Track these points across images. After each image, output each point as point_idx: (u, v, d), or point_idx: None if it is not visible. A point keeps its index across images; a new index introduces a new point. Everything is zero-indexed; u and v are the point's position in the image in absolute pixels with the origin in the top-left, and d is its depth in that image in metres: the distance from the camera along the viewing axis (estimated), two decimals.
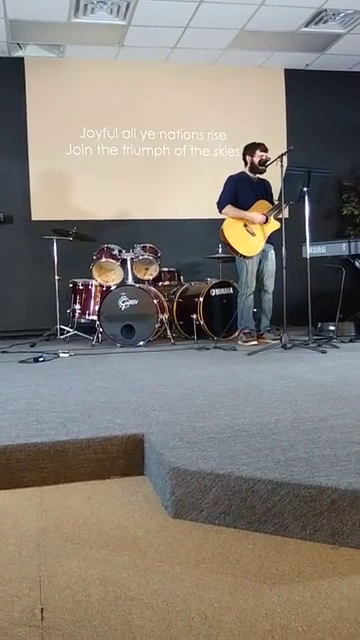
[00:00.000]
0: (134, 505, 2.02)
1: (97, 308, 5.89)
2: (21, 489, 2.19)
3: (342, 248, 5.77)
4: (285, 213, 5.16)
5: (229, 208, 5.53)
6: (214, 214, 5.79)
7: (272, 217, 5.52)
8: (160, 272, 6.20)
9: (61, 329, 6.18)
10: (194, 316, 5.80)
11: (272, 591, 1.48)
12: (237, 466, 1.92)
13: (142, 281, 6.03)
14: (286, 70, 7.66)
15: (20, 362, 4.71)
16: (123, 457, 2.29)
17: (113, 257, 5.95)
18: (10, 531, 1.85)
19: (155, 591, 1.49)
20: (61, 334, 6.17)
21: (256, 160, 5.60)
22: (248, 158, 5.67)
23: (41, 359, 4.77)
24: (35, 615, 1.40)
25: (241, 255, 5.51)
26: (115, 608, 1.42)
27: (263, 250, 5.58)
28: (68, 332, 6.15)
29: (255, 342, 5.46)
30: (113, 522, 1.89)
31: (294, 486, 1.77)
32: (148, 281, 6.10)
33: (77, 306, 6.14)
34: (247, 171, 5.70)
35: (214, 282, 6.03)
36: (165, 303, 5.96)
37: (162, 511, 1.96)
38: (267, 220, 5.51)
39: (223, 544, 1.74)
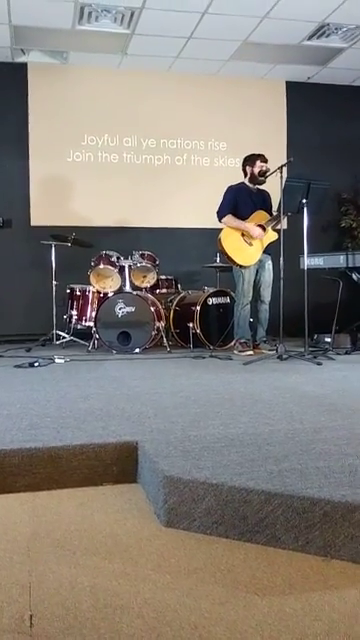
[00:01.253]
0: (126, 513, 2.01)
1: (94, 314, 5.89)
2: (14, 494, 2.18)
3: (340, 260, 5.79)
4: (284, 224, 5.18)
5: (229, 218, 5.55)
6: (213, 223, 5.80)
7: (270, 228, 5.54)
8: (158, 280, 6.21)
9: (57, 334, 6.17)
10: (191, 324, 5.80)
11: (263, 602, 1.48)
12: (230, 476, 1.91)
13: (139, 288, 6.04)
14: (287, 82, 7.71)
15: (15, 367, 4.70)
16: (116, 464, 2.29)
17: (111, 264, 5.95)
18: (1, 536, 1.84)
19: (145, 600, 1.48)
20: (57, 339, 6.16)
21: (256, 171, 5.62)
22: (248, 169, 5.69)
23: (36, 364, 4.76)
24: (24, 621, 1.39)
25: (238, 265, 5.52)
26: (105, 616, 1.41)
27: (260, 260, 5.59)
28: (64, 338, 6.15)
29: (251, 352, 5.47)
30: (105, 529, 1.88)
31: (287, 497, 1.76)
32: (146, 288, 6.11)
33: (74, 312, 6.14)
34: (247, 182, 5.72)
35: (211, 291, 6.03)
36: (162, 311, 5.96)
37: (154, 519, 1.95)
38: (265, 231, 5.53)
39: (215, 554, 1.73)
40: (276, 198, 5.34)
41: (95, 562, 1.67)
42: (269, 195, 5.78)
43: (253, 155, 5.69)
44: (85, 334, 6.12)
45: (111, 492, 2.20)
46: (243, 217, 5.56)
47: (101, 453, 2.28)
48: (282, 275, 4.96)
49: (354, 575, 1.62)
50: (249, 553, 1.74)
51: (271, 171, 5.45)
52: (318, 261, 5.83)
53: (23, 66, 7.05)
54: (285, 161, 5.28)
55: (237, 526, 1.81)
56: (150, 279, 6.08)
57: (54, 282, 6.19)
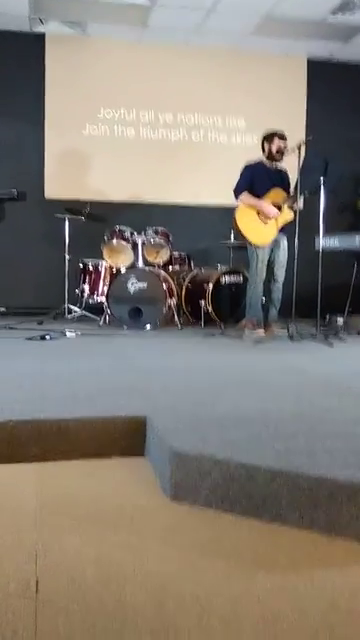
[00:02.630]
0: (133, 486, 2.03)
1: (106, 289, 5.89)
2: (22, 464, 2.20)
3: (355, 241, 5.72)
4: (300, 204, 5.12)
5: (245, 195, 5.49)
6: (228, 201, 5.75)
7: (286, 207, 5.48)
8: (171, 256, 6.19)
9: (69, 308, 6.18)
10: (202, 302, 5.79)
11: (265, 578, 1.49)
12: (237, 452, 1.92)
13: (152, 265, 6.02)
14: (309, 60, 7.56)
15: (27, 339, 4.73)
16: (125, 438, 2.30)
17: (124, 239, 5.93)
18: (9, 504, 1.86)
19: (149, 571, 1.50)
20: (69, 313, 6.18)
21: (274, 148, 5.54)
22: (266, 146, 5.61)
23: (48, 337, 4.78)
24: (30, 588, 1.41)
25: (253, 243, 5.48)
26: (109, 586, 1.43)
27: (275, 240, 5.55)
28: (76, 312, 6.16)
29: (262, 332, 5.45)
30: (111, 501, 1.90)
31: (293, 475, 1.77)
32: (158, 265, 6.09)
33: (86, 286, 6.14)
34: (265, 159, 5.64)
35: (224, 269, 6.00)
36: (174, 288, 5.95)
37: (160, 493, 1.97)
38: (281, 210, 5.47)
39: (219, 529, 1.75)
40: (294, 176, 5.28)
41: (100, 533, 1.69)
42: (287, 173, 5.70)
43: (272, 132, 5.60)
44: (97, 309, 6.12)
45: (118, 465, 2.22)
46: (259, 195, 5.49)
47: (110, 426, 2.30)
48: (296, 255, 4.92)
49: (358, 554, 1.63)
50: (253, 529, 1.75)
51: (289, 149, 5.38)
52: (333, 242, 5.77)
53: (41, 37, 6.97)
54: (304, 139, 5.20)
55: (242, 502, 1.82)
56: (163, 255, 6.06)
57: (67, 256, 6.18)
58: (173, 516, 1.82)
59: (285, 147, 5.50)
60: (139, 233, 6.02)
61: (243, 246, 5.82)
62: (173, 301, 5.78)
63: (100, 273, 6.17)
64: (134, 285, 5.66)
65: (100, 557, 1.56)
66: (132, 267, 5.83)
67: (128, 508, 1.85)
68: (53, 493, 1.95)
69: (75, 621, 1.30)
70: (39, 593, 1.40)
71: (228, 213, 5.74)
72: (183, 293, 6.11)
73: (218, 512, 1.85)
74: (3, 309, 6.78)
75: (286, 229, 5.56)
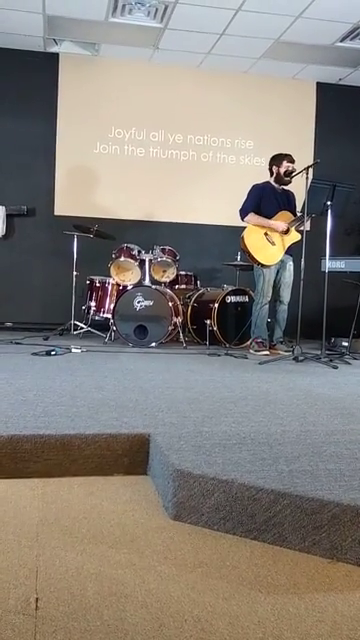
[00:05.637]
0: (135, 504, 2.02)
1: (112, 306, 5.90)
2: (25, 479, 2.20)
3: None
4: (307, 226, 5.15)
5: (252, 216, 5.53)
6: (235, 221, 5.79)
7: (293, 228, 5.51)
8: (177, 275, 6.21)
9: (75, 325, 6.20)
10: (208, 321, 5.80)
11: (266, 600, 1.48)
12: (240, 473, 1.92)
13: (159, 283, 6.05)
14: (318, 83, 7.65)
15: (33, 354, 4.74)
16: (128, 455, 2.30)
17: (132, 257, 5.97)
18: (11, 520, 1.86)
19: (150, 590, 1.49)
20: (75, 330, 6.19)
21: (282, 171, 5.59)
22: (274, 168, 5.67)
23: (53, 353, 4.80)
24: (30, 604, 1.41)
25: (259, 264, 5.51)
26: (109, 604, 1.43)
27: (282, 260, 5.57)
28: (82, 328, 6.18)
29: (267, 352, 5.45)
30: (113, 519, 1.89)
31: (296, 497, 1.77)
32: (165, 283, 6.12)
33: (92, 303, 6.17)
34: (272, 181, 5.69)
35: (230, 289, 6.02)
36: (180, 306, 5.97)
37: (162, 512, 1.96)
38: (288, 231, 5.50)
39: (221, 549, 1.74)
40: (301, 199, 5.31)
41: (102, 550, 1.69)
42: (294, 195, 5.75)
43: (280, 155, 5.66)
44: (102, 326, 6.14)
45: (121, 483, 2.22)
46: (267, 216, 5.53)
47: (113, 443, 2.30)
48: (302, 277, 4.94)
49: (359, 578, 1.62)
50: (255, 551, 1.74)
51: (297, 172, 5.42)
52: (340, 264, 5.79)
53: (55, 56, 7.09)
54: (312, 162, 5.25)
55: (244, 523, 1.82)
56: (170, 274, 6.10)
57: (74, 272, 6.22)
58: (175, 536, 1.81)
59: (293, 169, 5.55)
60: (146, 251, 6.06)
61: (249, 266, 5.85)
62: (179, 320, 5.80)
63: (107, 290, 6.19)
64: (140, 303, 5.68)
65: (101, 575, 1.55)
66: (139, 285, 5.86)
67: (130, 527, 1.85)
68: (55, 509, 1.95)
69: (74, 639, 1.29)
70: (39, 610, 1.39)
71: (235, 233, 5.78)
72: (189, 312, 6.13)
73: (220, 533, 1.84)
74: (10, 324, 6.82)
75: (292, 251, 5.59)
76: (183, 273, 6.41)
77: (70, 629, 1.32)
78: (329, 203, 5.01)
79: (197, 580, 1.56)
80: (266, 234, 5.50)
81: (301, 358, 4.90)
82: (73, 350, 5.06)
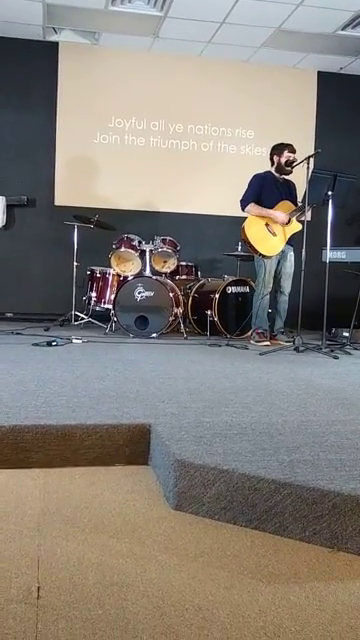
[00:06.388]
0: (136, 494, 2.03)
1: (113, 297, 5.90)
2: (26, 469, 2.21)
3: None
4: (308, 216, 5.14)
5: (252, 206, 5.52)
6: (236, 211, 5.78)
7: (294, 219, 5.50)
8: (178, 266, 6.20)
9: (76, 315, 6.20)
10: (209, 312, 5.79)
11: (267, 589, 1.49)
12: (241, 463, 1.92)
13: (159, 273, 6.04)
14: (319, 72, 7.60)
15: (33, 345, 4.74)
16: (129, 445, 2.31)
17: (132, 247, 5.96)
18: (12, 510, 1.87)
19: (151, 580, 1.50)
20: (75, 320, 6.19)
21: (283, 161, 5.57)
22: (275, 158, 5.65)
23: (54, 343, 4.80)
24: (31, 593, 1.42)
25: (260, 254, 5.50)
26: (111, 593, 1.43)
27: (282, 251, 5.56)
28: (82, 319, 6.18)
29: (268, 343, 5.45)
30: (114, 509, 1.90)
31: (297, 487, 1.77)
32: (165, 274, 6.11)
33: (93, 294, 6.16)
34: (273, 171, 5.67)
35: (231, 280, 6.01)
36: (181, 297, 5.96)
37: (163, 502, 1.97)
38: (289, 221, 5.49)
39: (222, 539, 1.74)
40: (302, 189, 5.29)
41: (103, 540, 1.69)
42: (295, 185, 5.73)
43: (281, 144, 5.64)
44: (103, 316, 6.14)
45: (122, 473, 2.22)
46: (268, 206, 5.52)
47: (114, 434, 2.30)
48: (303, 267, 4.93)
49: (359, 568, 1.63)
50: (256, 540, 1.75)
51: (298, 161, 5.40)
52: (341, 255, 5.78)
53: (54, 45, 7.04)
54: (313, 152, 5.23)
55: (245, 513, 1.82)
56: (170, 265, 6.09)
57: (75, 263, 6.21)
58: (176, 525, 1.81)
59: (294, 159, 5.53)
60: (147, 242, 6.04)
61: (250, 257, 5.84)
62: (179, 310, 5.79)
63: (107, 281, 6.19)
64: (141, 294, 5.68)
65: (102, 564, 1.56)
66: (139, 275, 5.85)
67: (131, 517, 1.85)
68: (56, 500, 1.96)
69: (76, 627, 1.30)
70: (40, 599, 1.40)
71: (236, 223, 5.77)
72: (189, 302, 6.12)
73: (221, 522, 1.85)
74: (10, 314, 6.82)
75: (293, 240, 5.58)
76: (184, 264, 6.40)
77: (71, 618, 1.33)
78: (330, 193, 5.00)
79: (198, 570, 1.56)
80: (267, 225, 5.48)
81: (302, 348, 4.90)
82: (74, 341, 5.06)
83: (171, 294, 5.68)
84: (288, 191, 5.66)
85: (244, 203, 5.58)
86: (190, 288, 6.25)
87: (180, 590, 1.46)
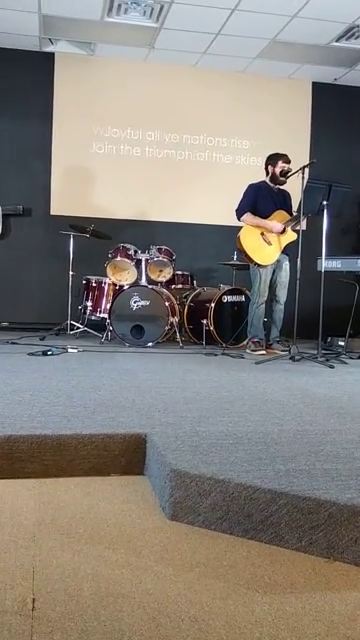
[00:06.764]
0: (132, 504, 2.02)
1: (108, 306, 5.91)
2: (21, 480, 2.20)
3: (357, 264, 5.76)
4: (303, 225, 5.16)
5: (247, 216, 5.54)
6: (232, 221, 5.80)
7: (289, 228, 5.52)
8: (174, 275, 6.22)
9: (71, 325, 6.20)
10: (204, 321, 5.80)
11: (263, 600, 1.48)
12: (237, 473, 1.92)
13: (155, 283, 6.05)
14: (314, 83, 7.66)
15: (29, 354, 4.73)
16: (124, 455, 2.30)
17: (128, 257, 5.97)
18: (7, 520, 1.86)
19: (147, 591, 1.49)
20: (71, 330, 6.19)
21: (278, 171, 5.60)
22: (270, 168, 5.67)
23: (50, 353, 4.79)
24: (26, 605, 1.41)
25: (256, 263, 5.51)
26: (106, 604, 1.42)
27: (278, 260, 5.58)
28: (78, 328, 6.17)
29: (263, 352, 5.46)
30: (110, 519, 1.89)
31: (293, 497, 1.76)
32: (161, 283, 6.12)
33: (89, 303, 6.16)
34: (268, 181, 5.70)
35: (227, 289, 6.03)
36: (176, 306, 5.97)
37: (159, 512, 1.96)
38: (284, 230, 5.51)
39: (218, 549, 1.74)
40: (297, 198, 5.32)
41: (99, 551, 1.68)
42: (290, 195, 5.75)
43: (276, 155, 5.67)
44: (99, 325, 6.14)
45: (118, 483, 2.22)
46: (263, 216, 5.54)
47: (109, 444, 2.29)
48: (299, 276, 4.94)
49: (356, 578, 1.62)
50: (252, 550, 1.74)
51: (293, 171, 5.42)
52: (336, 264, 5.81)
53: (50, 56, 7.08)
54: (308, 162, 5.26)
55: (241, 523, 1.82)
56: (166, 274, 6.10)
57: (71, 272, 6.21)
58: (172, 536, 1.81)
59: (289, 169, 5.56)
60: (143, 251, 6.06)
61: (246, 266, 5.85)
62: (175, 319, 5.80)
63: (103, 290, 6.19)
64: (137, 303, 5.68)
65: (97, 575, 1.55)
66: (135, 285, 5.85)
67: (127, 527, 1.85)
68: (51, 510, 1.95)
69: (72, 639, 1.29)
70: (35, 610, 1.39)
71: (231, 233, 5.79)
72: (185, 311, 6.13)
73: (217, 532, 1.84)
74: (6, 324, 6.81)
75: (288, 250, 5.60)
76: (179, 273, 6.41)
77: (67, 629, 1.32)
78: (325, 203, 5.02)
79: (194, 580, 1.56)
80: (262, 234, 5.50)
81: (298, 357, 4.90)
82: (69, 350, 5.06)
83: (167, 303, 5.68)
84: (283, 201, 5.69)
85: (239, 212, 5.60)
86: (186, 297, 6.26)
87: (176, 601, 1.45)
